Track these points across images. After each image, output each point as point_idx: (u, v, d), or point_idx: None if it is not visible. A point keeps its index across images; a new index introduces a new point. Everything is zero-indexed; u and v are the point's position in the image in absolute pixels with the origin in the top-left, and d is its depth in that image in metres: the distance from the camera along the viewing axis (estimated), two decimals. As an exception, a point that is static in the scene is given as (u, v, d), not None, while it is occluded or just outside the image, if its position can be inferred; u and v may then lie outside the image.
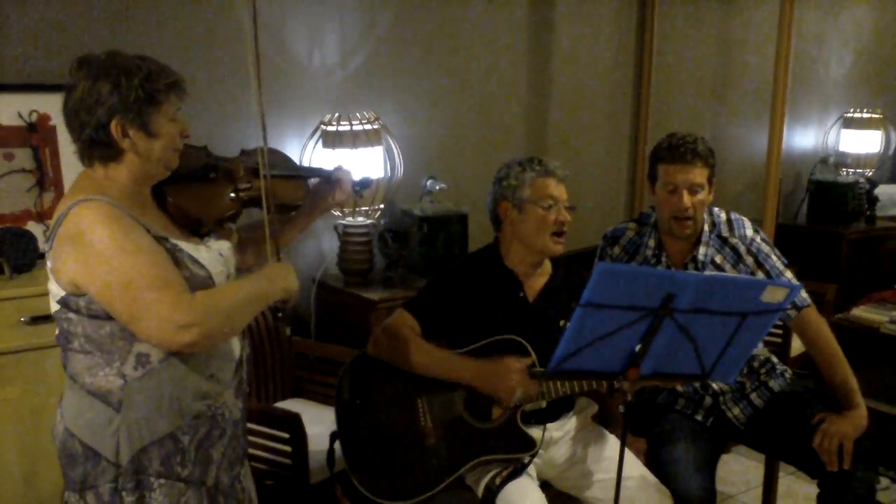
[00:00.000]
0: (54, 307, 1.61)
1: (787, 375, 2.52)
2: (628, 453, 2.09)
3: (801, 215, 5.02)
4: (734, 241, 2.40)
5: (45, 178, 2.71)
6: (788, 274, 2.39)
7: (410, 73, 3.51)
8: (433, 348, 2.22)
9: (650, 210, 2.51)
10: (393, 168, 3.24)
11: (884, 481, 3.25)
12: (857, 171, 5.04)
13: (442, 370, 2.19)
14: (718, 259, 2.40)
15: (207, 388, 1.65)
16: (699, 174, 2.32)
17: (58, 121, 2.62)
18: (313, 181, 2.04)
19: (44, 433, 2.35)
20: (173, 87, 1.61)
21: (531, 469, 2.19)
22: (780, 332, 3.05)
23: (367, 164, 3.07)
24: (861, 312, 3.42)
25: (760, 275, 2.37)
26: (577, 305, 1.65)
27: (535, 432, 2.19)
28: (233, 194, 1.77)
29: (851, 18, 5.20)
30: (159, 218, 1.67)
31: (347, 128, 3.06)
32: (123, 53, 1.59)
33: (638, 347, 1.75)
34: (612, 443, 2.31)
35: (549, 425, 2.25)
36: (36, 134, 2.69)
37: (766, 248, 2.40)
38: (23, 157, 2.68)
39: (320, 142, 3.13)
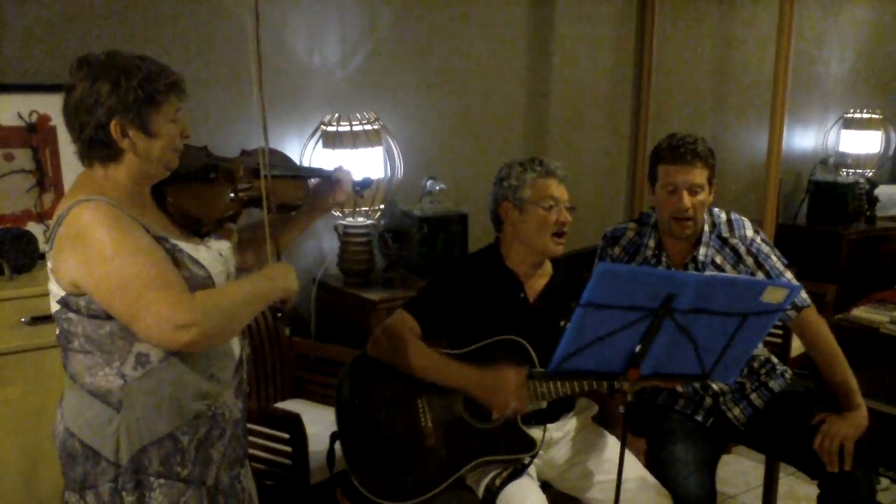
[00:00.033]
0: (54, 307, 1.61)
1: (788, 376, 2.52)
2: (628, 454, 2.09)
3: (801, 216, 5.02)
4: (734, 241, 2.40)
5: (45, 178, 2.71)
6: (788, 274, 2.39)
7: (410, 74, 3.51)
8: (432, 352, 2.21)
9: (650, 210, 2.51)
10: (393, 168, 3.24)
11: (884, 482, 3.25)
12: (857, 171, 5.05)
13: (439, 375, 2.19)
14: (718, 259, 2.40)
15: (207, 388, 1.65)
16: (699, 175, 2.31)
17: (58, 121, 2.62)
18: (314, 181, 2.04)
19: (44, 433, 2.35)
20: (173, 87, 1.61)
21: (531, 470, 2.19)
22: (780, 332, 3.05)
23: (367, 164, 3.07)
24: (861, 313, 3.42)
25: (760, 275, 2.37)
26: (578, 306, 1.65)
27: (535, 433, 2.19)
28: (233, 194, 1.77)
29: (851, 19, 5.20)
30: (159, 218, 1.67)
31: (347, 128, 3.06)
32: (123, 54, 1.59)
33: (638, 348, 1.75)
34: (613, 444, 2.31)
35: (549, 426, 2.25)
36: (36, 134, 2.69)
37: (766, 248, 2.40)
38: (23, 158, 2.68)
39: (320, 142, 3.13)
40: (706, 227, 2.40)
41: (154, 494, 1.61)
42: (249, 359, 1.81)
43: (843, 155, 5.10)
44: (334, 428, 2.23)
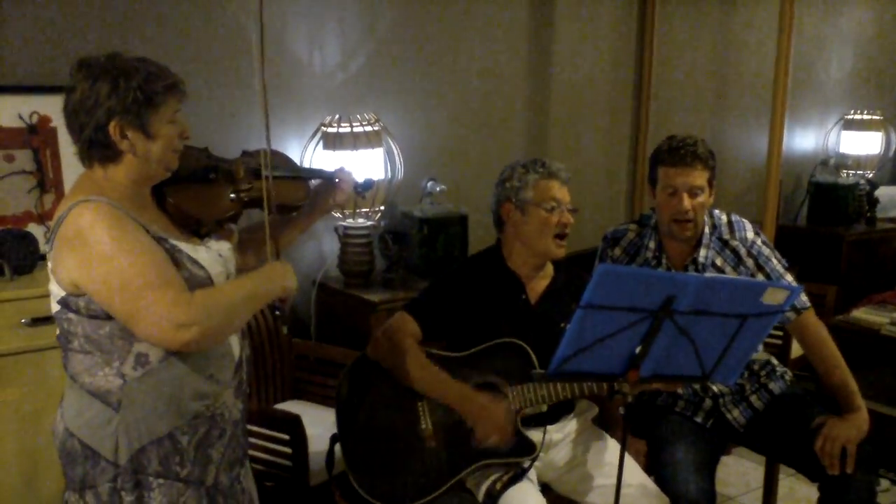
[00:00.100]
0: (55, 307, 1.62)
1: (788, 378, 2.51)
2: (628, 459, 2.09)
3: (802, 217, 5.02)
4: (735, 243, 2.40)
5: (46, 179, 2.71)
6: (789, 277, 2.39)
7: (411, 75, 3.51)
8: (430, 364, 2.20)
9: (651, 211, 2.50)
10: (393, 170, 3.24)
11: (884, 483, 3.25)
12: (858, 172, 5.04)
13: (434, 389, 2.18)
14: (719, 261, 2.40)
15: (206, 389, 1.65)
16: (699, 177, 2.31)
17: (58, 122, 2.62)
18: (314, 182, 2.04)
19: (44, 434, 2.35)
20: (172, 88, 1.61)
21: (532, 473, 2.19)
22: (780, 334, 3.04)
23: (367, 165, 3.07)
24: (861, 314, 3.42)
25: (761, 277, 2.37)
26: (578, 307, 1.65)
27: (535, 435, 2.19)
28: (233, 195, 1.77)
29: (852, 19, 5.20)
30: (159, 219, 1.67)
31: (348, 129, 3.06)
32: (123, 55, 1.59)
33: (638, 349, 1.75)
34: (613, 447, 2.31)
35: (549, 427, 2.25)
36: (36, 135, 2.69)
37: (766, 250, 2.40)
38: (23, 159, 2.68)
39: (320, 143, 3.13)
40: (707, 229, 2.40)
41: (153, 494, 1.62)
42: (249, 359, 1.81)
43: (844, 156, 5.10)
44: (334, 429, 2.23)
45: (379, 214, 3.24)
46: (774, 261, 2.40)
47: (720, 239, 2.41)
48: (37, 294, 2.36)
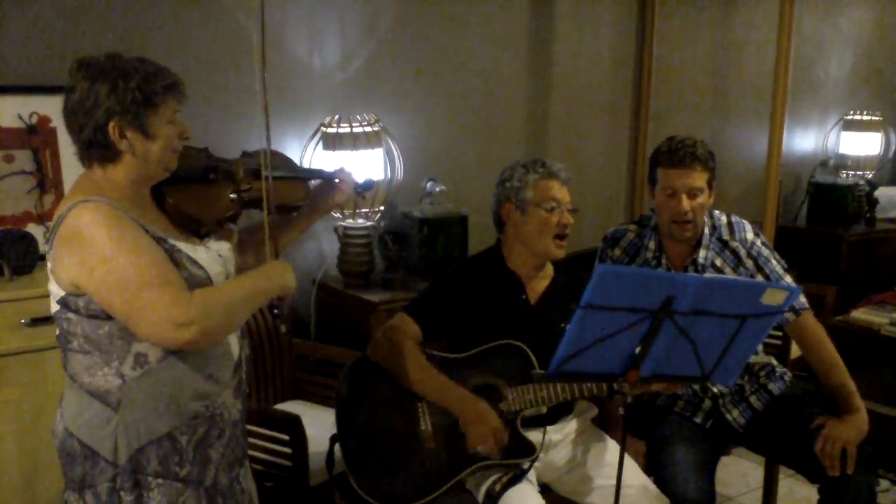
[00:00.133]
0: (54, 308, 1.62)
1: (787, 378, 2.51)
2: (629, 460, 2.09)
3: (801, 217, 5.02)
4: (734, 244, 2.40)
5: (46, 179, 2.71)
6: (788, 278, 2.39)
7: (410, 75, 3.51)
8: (429, 367, 2.20)
9: (650, 212, 2.50)
10: (393, 170, 3.24)
11: (884, 483, 3.25)
12: (857, 173, 5.05)
13: (432, 392, 2.18)
14: (719, 262, 2.39)
15: (206, 389, 1.65)
16: (698, 178, 2.31)
17: (58, 122, 2.62)
18: (314, 183, 2.04)
19: (44, 434, 2.35)
20: (171, 89, 1.61)
21: (531, 474, 2.19)
22: (779, 334, 3.04)
23: (367, 166, 3.07)
24: (861, 314, 3.42)
25: (760, 278, 2.37)
26: (578, 307, 1.65)
27: (534, 436, 2.19)
28: (232, 195, 1.77)
29: (851, 20, 5.20)
30: (158, 219, 1.68)
31: (347, 130, 3.06)
32: (122, 56, 1.60)
33: (638, 349, 1.75)
34: (612, 448, 2.31)
35: (548, 428, 2.25)
36: (36, 136, 2.69)
37: (766, 251, 2.40)
38: (23, 159, 2.68)
39: (320, 144, 3.13)
40: (706, 230, 2.40)
41: (152, 494, 1.62)
42: (248, 359, 1.81)
43: (843, 157, 5.10)
44: (334, 430, 2.22)
45: (379, 215, 3.24)
46: (774, 262, 2.40)
47: (720, 240, 2.41)
48: (36, 294, 2.36)
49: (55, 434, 1.67)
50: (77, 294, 1.56)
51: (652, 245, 2.45)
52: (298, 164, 2.87)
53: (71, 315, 1.59)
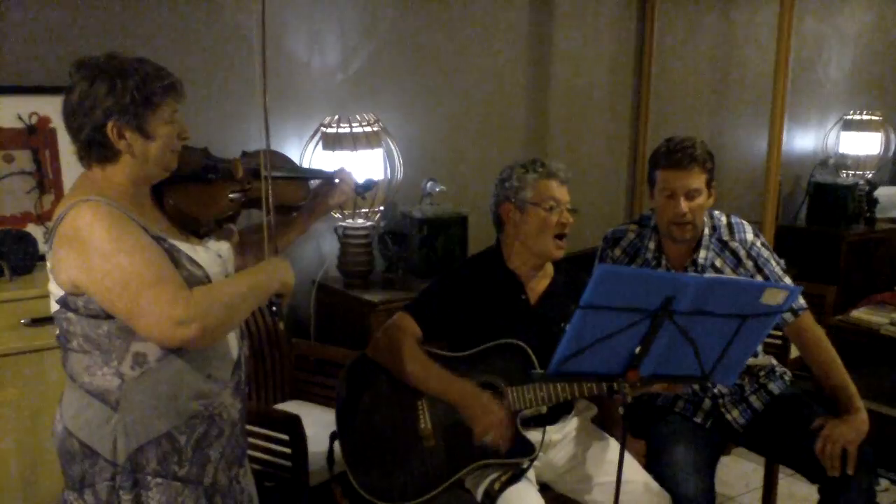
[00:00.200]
0: (54, 307, 1.62)
1: (787, 378, 2.51)
2: (628, 457, 2.09)
3: (801, 217, 5.02)
4: (734, 244, 2.40)
5: (45, 180, 2.71)
6: (787, 280, 2.39)
7: (410, 75, 3.51)
8: (430, 362, 2.20)
9: (650, 212, 2.50)
10: (393, 170, 3.24)
11: (883, 483, 3.25)
12: (857, 173, 5.05)
13: (434, 387, 2.18)
14: (718, 263, 2.39)
15: (205, 388, 1.66)
16: (696, 179, 2.30)
17: (58, 123, 2.63)
18: (314, 183, 2.04)
19: (43, 435, 2.35)
20: (170, 89, 1.61)
21: (530, 473, 2.19)
22: (779, 334, 3.05)
23: (367, 166, 3.07)
24: (861, 314, 3.42)
25: (760, 279, 2.37)
26: (577, 307, 1.65)
27: (534, 435, 2.19)
28: (232, 195, 1.77)
29: (851, 20, 5.20)
30: (158, 219, 1.68)
31: (347, 130, 3.06)
32: (122, 56, 1.60)
33: (638, 349, 1.75)
34: (613, 446, 2.31)
35: (548, 427, 2.25)
36: (36, 136, 2.69)
37: (766, 252, 2.40)
38: (23, 159, 2.68)
39: (320, 144, 3.13)
40: (706, 231, 2.39)
41: (151, 493, 1.62)
42: (248, 359, 1.81)
43: (843, 156, 5.11)
44: (334, 429, 2.22)
45: (378, 215, 3.24)
46: (774, 263, 2.39)
47: (720, 240, 2.41)
48: (36, 294, 2.37)
49: (55, 433, 1.67)
50: (76, 293, 1.56)
51: (652, 245, 2.45)
52: (298, 164, 2.88)
53: (70, 315, 1.59)
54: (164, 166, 1.64)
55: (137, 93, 1.56)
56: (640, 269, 2.33)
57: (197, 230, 1.72)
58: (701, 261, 2.38)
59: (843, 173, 5.03)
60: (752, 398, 2.45)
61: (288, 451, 2.35)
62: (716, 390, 2.44)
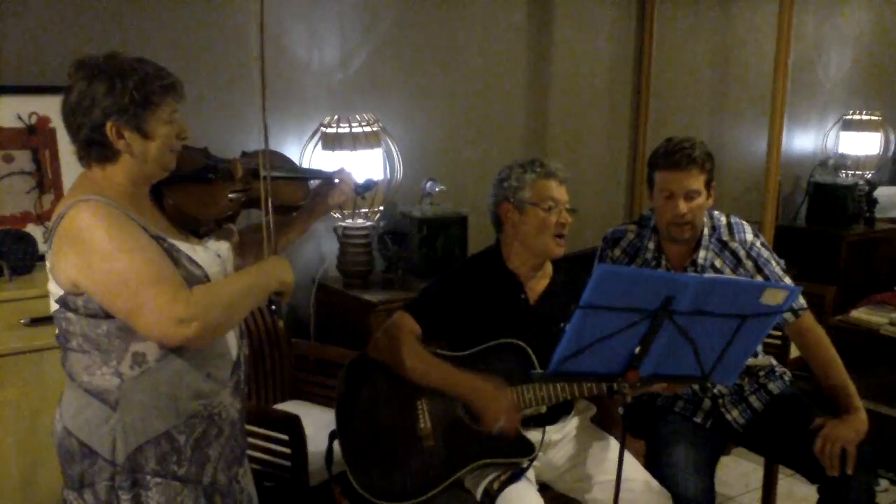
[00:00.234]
0: (54, 307, 1.62)
1: (787, 378, 2.51)
2: (630, 456, 2.09)
3: (801, 217, 5.02)
4: (734, 245, 2.40)
5: (45, 179, 2.71)
6: (787, 280, 2.39)
7: (410, 75, 3.51)
8: (430, 356, 2.21)
9: (650, 212, 2.50)
10: (392, 170, 3.24)
11: (883, 483, 3.26)
12: (857, 173, 5.05)
13: (437, 379, 2.18)
14: (718, 263, 2.39)
15: (204, 388, 1.66)
16: (695, 180, 2.30)
17: (57, 123, 2.62)
18: (314, 183, 2.04)
19: (43, 434, 2.35)
20: (169, 89, 1.61)
21: (530, 473, 2.19)
22: (779, 334, 3.05)
23: (366, 166, 3.07)
24: (861, 314, 3.42)
25: (759, 279, 2.37)
26: (577, 307, 1.65)
27: (534, 435, 2.19)
28: (231, 195, 1.78)
29: (851, 20, 5.20)
30: (157, 218, 1.68)
31: (347, 130, 3.06)
32: (121, 56, 1.60)
33: (637, 349, 1.75)
34: (613, 445, 2.31)
35: (548, 427, 2.25)
36: (35, 136, 2.69)
37: (766, 253, 2.40)
38: (22, 159, 2.68)
39: (319, 144, 3.13)
40: (706, 231, 2.39)
41: (150, 493, 1.62)
42: (247, 359, 1.81)
43: (843, 156, 5.10)
44: (333, 429, 2.22)
45: (378, 215, 3.24)
46: (773, 263, 2.39)
47: (719, 240, 2.41)
48: (36, 294, 2.36)
49: (54, 433, 1.67)
50: (76, 293, 1.56)
51: (651, 245, 2.45)
52: (298, 164, 2.88)
53: (70, 314, 1.59)
54: (164, 166, 1.65)
55: (136, 93, 1.56)
56: (640, 270, 2.33)
57: (196, 230, 1.73)
58: (700, 261, 2.38)
59: (843, 173, 5.03)
60: (752, 398, 2.45)
61: (287, 450, 2.35)
62: (715, 390, 2.44)
